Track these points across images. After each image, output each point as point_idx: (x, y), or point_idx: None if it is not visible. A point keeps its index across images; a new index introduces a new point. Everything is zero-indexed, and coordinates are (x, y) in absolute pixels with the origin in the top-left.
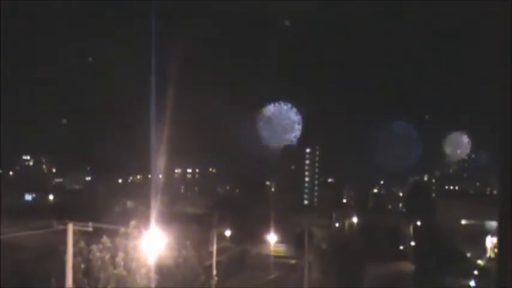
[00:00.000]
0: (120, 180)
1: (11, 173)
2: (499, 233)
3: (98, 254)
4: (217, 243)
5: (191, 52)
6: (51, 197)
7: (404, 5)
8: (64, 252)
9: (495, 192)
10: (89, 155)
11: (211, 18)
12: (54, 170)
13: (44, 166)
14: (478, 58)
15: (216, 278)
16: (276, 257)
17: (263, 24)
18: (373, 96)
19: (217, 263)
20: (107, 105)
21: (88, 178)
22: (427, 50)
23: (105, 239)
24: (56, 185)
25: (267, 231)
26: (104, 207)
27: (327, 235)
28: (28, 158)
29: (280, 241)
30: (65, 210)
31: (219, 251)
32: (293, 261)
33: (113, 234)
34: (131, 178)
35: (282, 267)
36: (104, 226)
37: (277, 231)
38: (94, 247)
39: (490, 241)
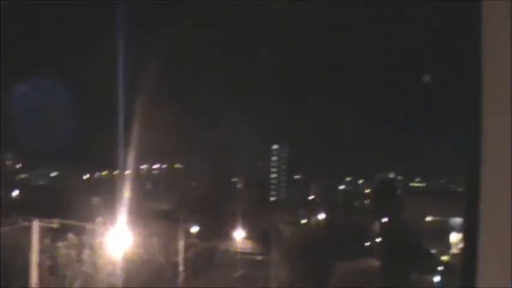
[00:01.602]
0: (85, 176)
1: None
2: (464, 230)
3: (63, 251)
4: (184, 240)
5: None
6: (15, 193)
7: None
8: (29, 249)
9: (460, 189)
10: (55, 150)
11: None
12: (18, 166)
13: (7, 161)
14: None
15: (183, 275)
16: (242, 253)
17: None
18: (342, 92)
19: (184, 259)
20: (74, 98)
21: (53, 174)
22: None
23: (71, 236)
24: (20, 181)
25: (234, 227)
26: (69, 203)
27: (293, 232)
28: None
29: (247, 237)
30: (30, 207)
31: (186, 248)
32: (260, 258)
33: (79, 231)
34: (97, 174)
35: (249, 263)
36: (70, 223)
37: (244, 227)
38: (60, 244)
39: (455, 237)
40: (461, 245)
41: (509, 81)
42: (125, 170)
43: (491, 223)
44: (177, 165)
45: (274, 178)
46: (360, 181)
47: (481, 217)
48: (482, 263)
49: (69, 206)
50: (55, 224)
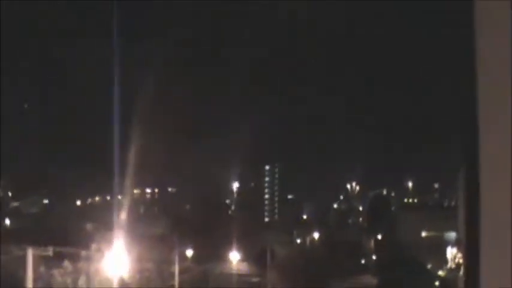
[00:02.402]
0: (78, 202)
1: None
2: (465, 247)
3: (59, 279)
4: (180, 264)
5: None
6: (7, 221)
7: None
8: (24, 278)
9: (453, 203)
10: (46, 177)
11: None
12: (10, 194)
13: None
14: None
15: None
16: (238, 275)
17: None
18: (332, 109)
19: (180, 283)
20: (63, 125)
21: (46, 201)
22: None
23: (66, 263)
24: (12, 209)
25: (229, 249)
26: (63, 230)
27: (288, 252)
28: None
29: (243, 259)
30: (23, 235)
31: (182, 272)
32: (256, 279)
33: (74, 258)
34: (90, 200)
35: (245, 285)
36: (65, 250)
37: (239, 249)
38: (55, 272)
39: (450, 252)
40: (458, 260)
41: (509, 85)
42: (118, 195)
43: (492, 235)
44: (170, 189)
45: (267, 198)
46: (353, 198)
47: (482, 227)
48: (484, 276)
49: (63, 233)
50: (49, 251)
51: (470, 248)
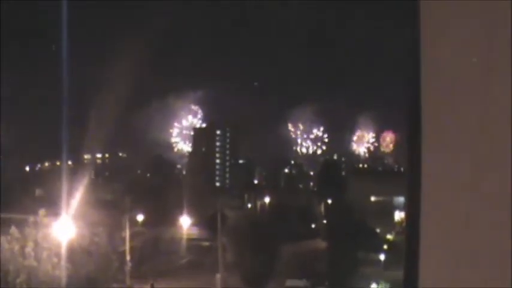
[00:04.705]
0: (27, 168)
1: None
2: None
3: (6, 245)
4: (130, 229)
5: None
6: None
7: None
8: None
9: (402, 169)
10: None
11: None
12: None
13: None
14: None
15: (129, 264)
16: (189, 240)
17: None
18: (284, 76)
19: (131, 248)
20: (13, 90)
21: None
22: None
23: (13, 230)
24: None
25: (180, 214)
26: (11, 196)
27: (239, 216)
28: None
29: (194, 224)
30: None
31: (132, 237)
32: (206, 244)
33: (21, 224)
34: (39, 166)
35: (196, 250)
36: (12, 216)
37: (190, 214)
38: (2, 238)
39: (399, 216)
40: (403, 224)
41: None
42: (68, 160)
43: (433, 215)
44: (121, 154)
45: (219, 163)
46: (304, 163)
47: (423, 192)
48: (423, 263)
49: (11, 198)
50: None
51: (412, 211)
